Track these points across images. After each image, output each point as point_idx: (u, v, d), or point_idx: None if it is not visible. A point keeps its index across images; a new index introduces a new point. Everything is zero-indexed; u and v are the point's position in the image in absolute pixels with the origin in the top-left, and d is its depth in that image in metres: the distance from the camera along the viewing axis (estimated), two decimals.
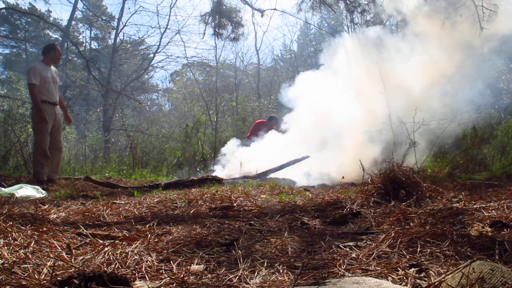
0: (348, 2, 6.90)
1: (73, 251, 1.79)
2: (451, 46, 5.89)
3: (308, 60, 22.00)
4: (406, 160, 4.99)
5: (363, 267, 1.54)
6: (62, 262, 1.59)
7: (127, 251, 1.77)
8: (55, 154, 5.30)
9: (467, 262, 1.31)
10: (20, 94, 14.75)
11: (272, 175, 5.50)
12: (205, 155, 9.03)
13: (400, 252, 1.71)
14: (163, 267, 1.60)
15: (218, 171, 6.65)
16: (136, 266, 1.59)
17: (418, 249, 1.72)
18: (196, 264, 1.65)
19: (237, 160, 6.18)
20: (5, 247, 1.68)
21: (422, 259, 1.60)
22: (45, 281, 1.35)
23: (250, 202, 3.23)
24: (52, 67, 5.37)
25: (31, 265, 1.50)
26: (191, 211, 2.87)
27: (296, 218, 2.57)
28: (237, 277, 1.48)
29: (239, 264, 1.63)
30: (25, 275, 1.41)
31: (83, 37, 22.50)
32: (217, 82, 18.36)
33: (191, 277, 1.51)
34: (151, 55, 17.98)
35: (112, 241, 1.99)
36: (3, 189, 3.72)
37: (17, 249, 1.69)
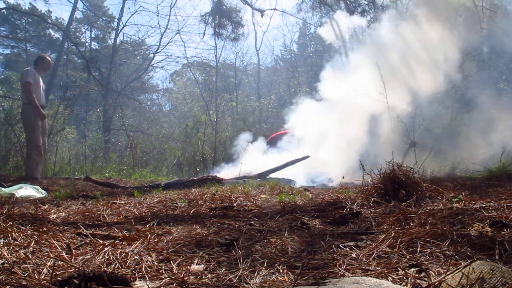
0: (348, 2, 6.91)
1: (73, 251, 1.79)
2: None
3: (308, 60, 21.99)
4: (406, 160, 4.98)
5: (363, 267, 1.54)
6: (62, 262, 1.59)
7: (127, 251, 1.77)
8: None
9: (467, 262, 1.31)
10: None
11: (272, 175, 5.50)
12: (205, 155, 9.03)
13: (400, 252, 1.71)
14: (163, 267, 1.60)
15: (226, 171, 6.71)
16: (136, 266, 1.59)
17: (418, 249, 1.71)
18: (196, 264, 1.65)
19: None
20: (5, 247, 1.67)
21: (422, 259, 1.60)
22: (45, 281, 1.35)
23: (250, 202, 3.23)
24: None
25: (31, 265, 1.50)
26: (191, 211, 2.87)
27: (296, 218, 2.57)
28: (237, 277, 1.48)
29: (239, 264, 1.63)
30: (25, 275, 1.41)
31: (83, 37, 22.51)
32: (217, 82, 18.35)
33: (191, 277, 1.51)
34: (151, 55, 18.03)
35: (112, 241, 1.99)
36: (3, 189, 3.72)
37: (17, 249, 1.69)
